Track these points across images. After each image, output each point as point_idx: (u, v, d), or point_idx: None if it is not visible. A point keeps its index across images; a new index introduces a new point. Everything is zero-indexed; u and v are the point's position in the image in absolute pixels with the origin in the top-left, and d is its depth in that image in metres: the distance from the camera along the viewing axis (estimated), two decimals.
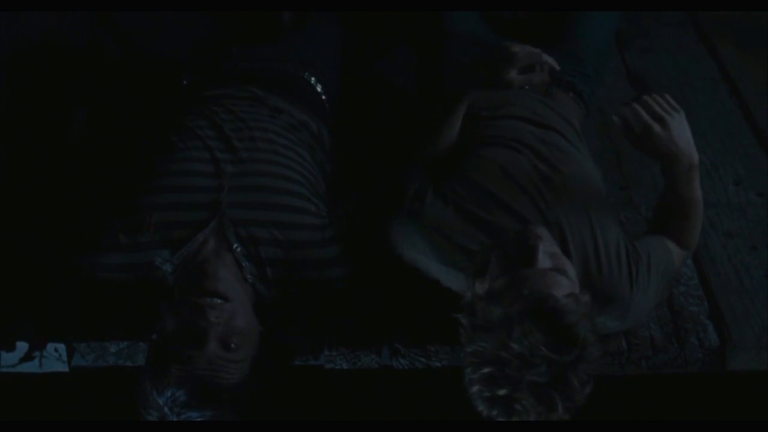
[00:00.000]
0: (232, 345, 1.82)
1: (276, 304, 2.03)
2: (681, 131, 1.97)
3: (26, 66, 2.81)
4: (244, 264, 1.99)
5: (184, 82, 2.50)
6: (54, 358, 2.03)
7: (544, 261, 1.74)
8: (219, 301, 1.85)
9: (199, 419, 1.78)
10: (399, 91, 2.75)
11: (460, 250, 1.93)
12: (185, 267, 1.97)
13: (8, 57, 2.88)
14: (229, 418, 1.80)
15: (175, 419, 1.77)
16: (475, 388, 1.62)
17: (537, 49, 2.03)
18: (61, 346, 2.02)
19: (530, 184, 2.02)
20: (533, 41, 2.17)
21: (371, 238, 2.07)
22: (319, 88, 2.52)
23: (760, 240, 2.33)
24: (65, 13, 3.20)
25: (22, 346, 2.02)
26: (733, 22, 3.33)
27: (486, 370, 1.60)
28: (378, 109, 2.70)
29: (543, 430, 1.68)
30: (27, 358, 2.03)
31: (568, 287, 1.72)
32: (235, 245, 1.99)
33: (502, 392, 1.58)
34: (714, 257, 2.27)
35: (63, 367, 2.04)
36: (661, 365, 2.04)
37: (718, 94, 2.96)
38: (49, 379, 2.07)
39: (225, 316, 1.83)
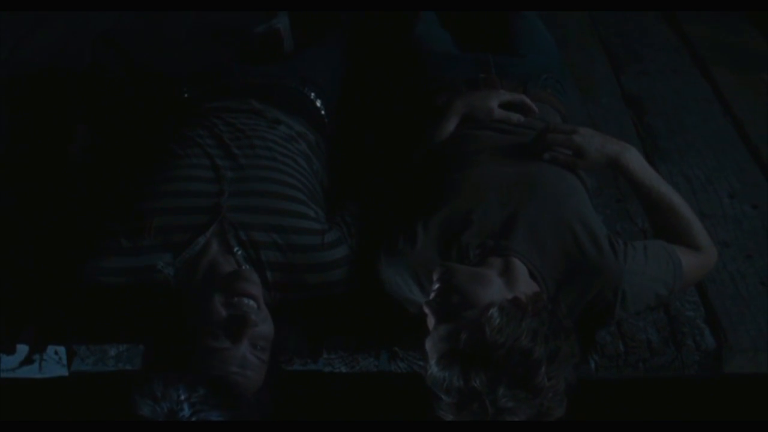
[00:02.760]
0: (259, 347, 1.84)
1: (276, 308, 2.04)
2: (595, 134, 2.18)
3: (30, 85, 2.86)
4: (244, 267, 2.00)
5: (185, 95, 2.53)
6: (54, 362, 2.04)
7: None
8: (254, 304, 1.88)
9: (216, 419, 1.73)
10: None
11: None
12: (188, 270, 2.00)
13: (13, 77, 2.93)
14: (245, 420, 1.78)
15: (188, 415, 1.71)
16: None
17: (522, 95, 2.36)
18: (61, 349, 2.03)
19: (499, 195, 2.06)
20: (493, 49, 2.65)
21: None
22: (318, 103, 2.57)
23: (755, 249, 2.35)
24: (69, 34, 3.29)
25: (22, 349, 2.03)
26: (727, 47, 3.42)
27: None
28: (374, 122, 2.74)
29: (543, 430, 1.71)
30: (27, 361, 2.03)
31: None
32: (235, 248, 2.01)
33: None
34: None
35: (62, 371, 2.05)
36: (658, 368, 2.04)
37: (712, 113, 3.01)
38: (49, 385, 2.08)
39: (261, 318, 1.87)
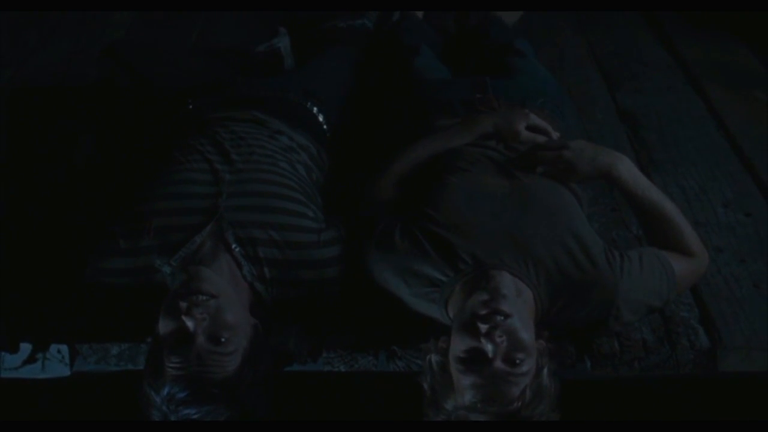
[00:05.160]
0: (222, 339, 1.85)
1: (274, 304, 2.07)
2: (587, 147, 2.21)
3: (36, 97, 2.91)
4: (243, 264, 2.03)
5: (190, 106, 2.58)
6: (56, 360, 2.06)
7: (497, 357, 1.78)
8: (203, 297, 1.88)
9: (196, 416, 1.80)
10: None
11: (429, 282, 2.00)
12: (183, 269, 2.02)
13: (19, 91, 2.99)
14: (226, 413, 1.83)
15: (173, 418, 1.80)
16: None
17: (545, 123, 2.38)
18: (64, 348, 2.05)
19: (492, 205, 2.08)
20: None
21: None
22: (320, 118, 2.61)
23: (748, 254, 2.38)
24: (72, 55, 3.36)
25: (25, 348, 2.05)
26: (719, 66, 3.48)
27: None
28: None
29: (543, 430, 1.73)
30: (30, 360, 2.06)
31: (522, 381, 1.77)
32: (234, 246, 2.04)
33: None
34: None
35: (65, 370, 2.07)
36: (654, 366, 2.06)
37: (706, 128, 3.06)
38: (51, 386, 2.11)
39: (211, 312, 1.87)
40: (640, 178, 2.19)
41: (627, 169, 2.17)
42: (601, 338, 2.07)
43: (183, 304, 1.86)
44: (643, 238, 2.33)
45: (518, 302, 1.89)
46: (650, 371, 2.07)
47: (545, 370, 1.80)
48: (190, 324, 1.84)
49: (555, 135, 2.40)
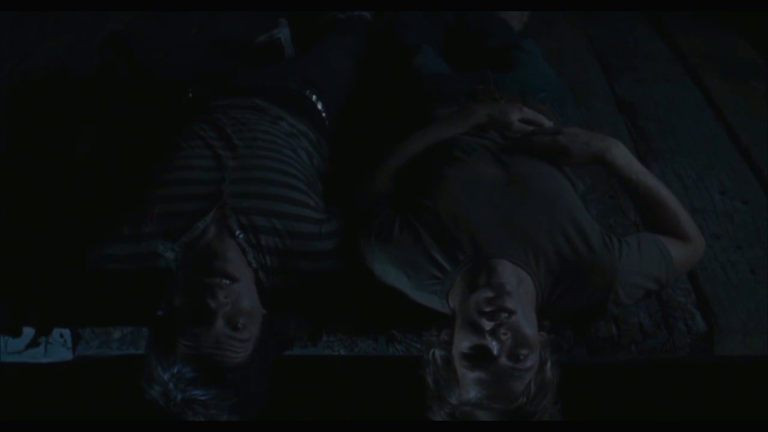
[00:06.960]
0: (239, 325, 1.87)
1: (273, 293, 2.08)
2: (581, 132, 2.24)
3: (38, 88, 2.93)
4: (248, 250, 2.05)
5: (190, 95, 2.59)
6: (59, 344, 2.07)
7: (503, 354, 1.79)
8: (227, 281, 1.90)
9: (203, 398, 1.82)
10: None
11: (429, 274, 2.00)
12: (188, 253, 2.03)
13: (21, 82, 3.00)
14: (233, 399, 1.84)
15: (179, 396, 1.81)
16: None
17: (541, 115, 2.37)
18: (66, 332, 2.07)
19: (490, 194, 2.08)
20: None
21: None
22: (319, 106, 2.62)
23: (745, 241, 2.40)
24: (73, 48, 3.38)
25: (28, 332, 2.06)
26: (717, 57, 3.50)
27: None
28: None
29: (543, 430, 1.75)
30: (33, 344, 2.07)
31: (527, 376, 1.80)
32: (237, 232, 2.05)
33: None
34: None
35: (67, 355, 2.09)
36: (651, 350, 2.08)
37: (704, 118, 3.07)
38: (53, 370, 2.13)
39: (233, 297, 1.89)
40: (635, 163, 2.20)
41: (621, 153, 2.19)
42: (599, 322, 2.08)
43: (207, 283, 1.88)
44: (641, 224, 2.34)
45: (521, 295, 1.90)
46: (647, 355, 2.09)
47: (548, 364, 1.82)
48: (212, 305, 1.85)
49: (546, 122, 2.40)
